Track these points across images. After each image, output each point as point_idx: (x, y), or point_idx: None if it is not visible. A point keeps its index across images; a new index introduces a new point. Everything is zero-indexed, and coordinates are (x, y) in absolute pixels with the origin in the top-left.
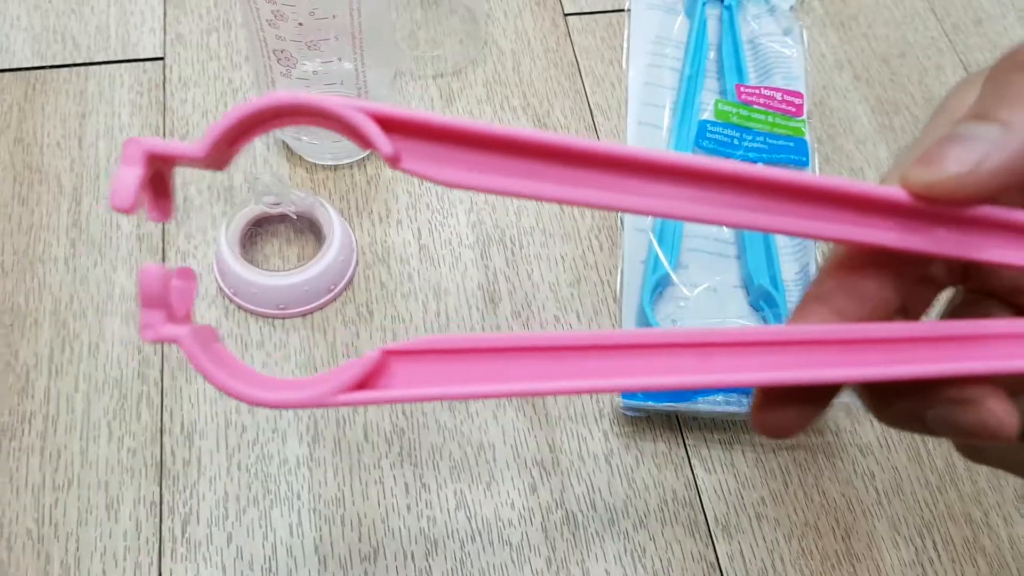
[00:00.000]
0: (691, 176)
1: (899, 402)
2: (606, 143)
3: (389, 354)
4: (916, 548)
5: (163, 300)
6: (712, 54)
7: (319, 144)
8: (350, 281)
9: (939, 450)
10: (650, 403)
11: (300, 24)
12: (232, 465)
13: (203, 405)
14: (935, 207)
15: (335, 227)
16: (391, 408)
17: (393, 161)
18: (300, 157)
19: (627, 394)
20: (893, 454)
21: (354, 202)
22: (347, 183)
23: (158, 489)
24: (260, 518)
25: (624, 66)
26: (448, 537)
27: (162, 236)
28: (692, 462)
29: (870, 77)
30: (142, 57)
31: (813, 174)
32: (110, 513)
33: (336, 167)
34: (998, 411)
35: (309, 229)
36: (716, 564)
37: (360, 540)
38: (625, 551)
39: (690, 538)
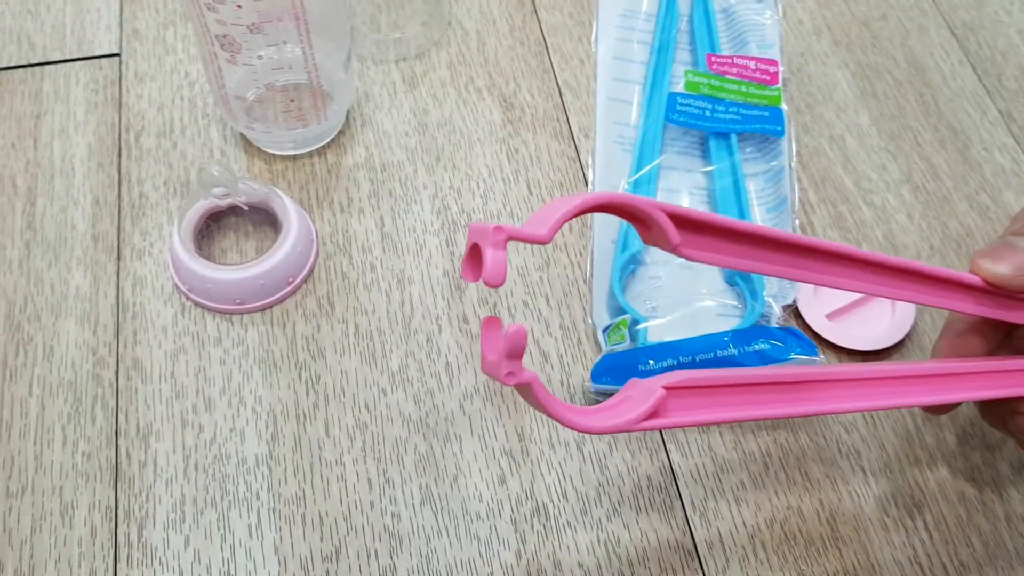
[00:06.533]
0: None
1: (992, 410)
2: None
3: (667, 388)
4: (906, 529)
5: (521, 351)
6: (683, 25)
7: (274, 133)
8: (310, 273)
9: (928, 426)
10: (619, 386)
11: (239, 6)
12: (189, 466)
13: (158, 406)
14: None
15: (292, 218)
16: (353, 402)
17: (676, 248)
18: (258, 148)
19: (596, 377)
20: (880, 431)
21: (314, 192)
22: (307, 172)
23: (113, 493)
24: (218, 520)
25: (593, 41)
26: (413, 533)
27: (117, 235)
28: (668, 446)
29: (850, 42)
30: (98, 54)
31: (920, 263)
32: (64, 519)
33: (295, 157)
34: None
35: (267, 221)
36: (694, 552)
37: (322, 540)
38: (598, 541)
39: (666, 525)
